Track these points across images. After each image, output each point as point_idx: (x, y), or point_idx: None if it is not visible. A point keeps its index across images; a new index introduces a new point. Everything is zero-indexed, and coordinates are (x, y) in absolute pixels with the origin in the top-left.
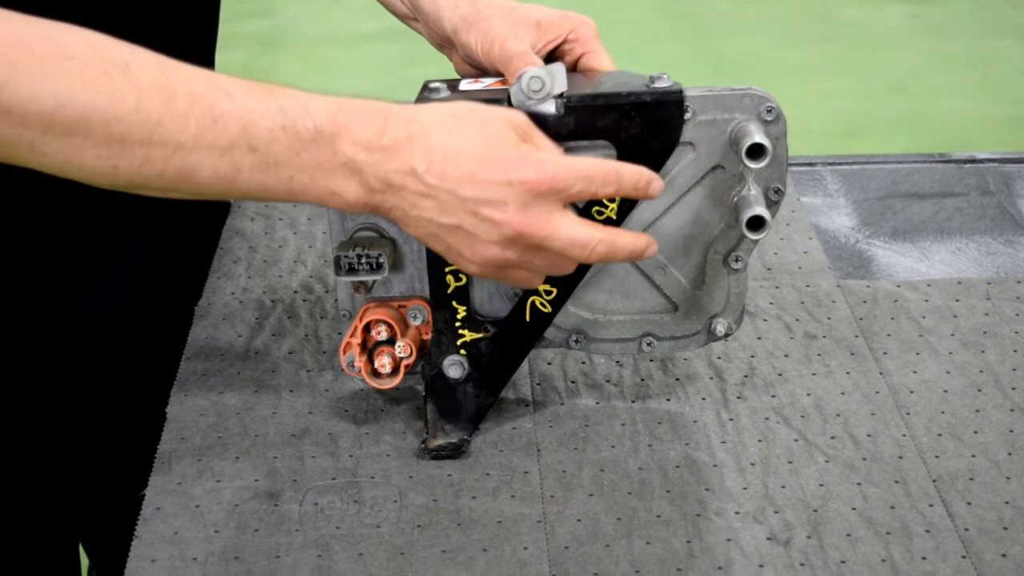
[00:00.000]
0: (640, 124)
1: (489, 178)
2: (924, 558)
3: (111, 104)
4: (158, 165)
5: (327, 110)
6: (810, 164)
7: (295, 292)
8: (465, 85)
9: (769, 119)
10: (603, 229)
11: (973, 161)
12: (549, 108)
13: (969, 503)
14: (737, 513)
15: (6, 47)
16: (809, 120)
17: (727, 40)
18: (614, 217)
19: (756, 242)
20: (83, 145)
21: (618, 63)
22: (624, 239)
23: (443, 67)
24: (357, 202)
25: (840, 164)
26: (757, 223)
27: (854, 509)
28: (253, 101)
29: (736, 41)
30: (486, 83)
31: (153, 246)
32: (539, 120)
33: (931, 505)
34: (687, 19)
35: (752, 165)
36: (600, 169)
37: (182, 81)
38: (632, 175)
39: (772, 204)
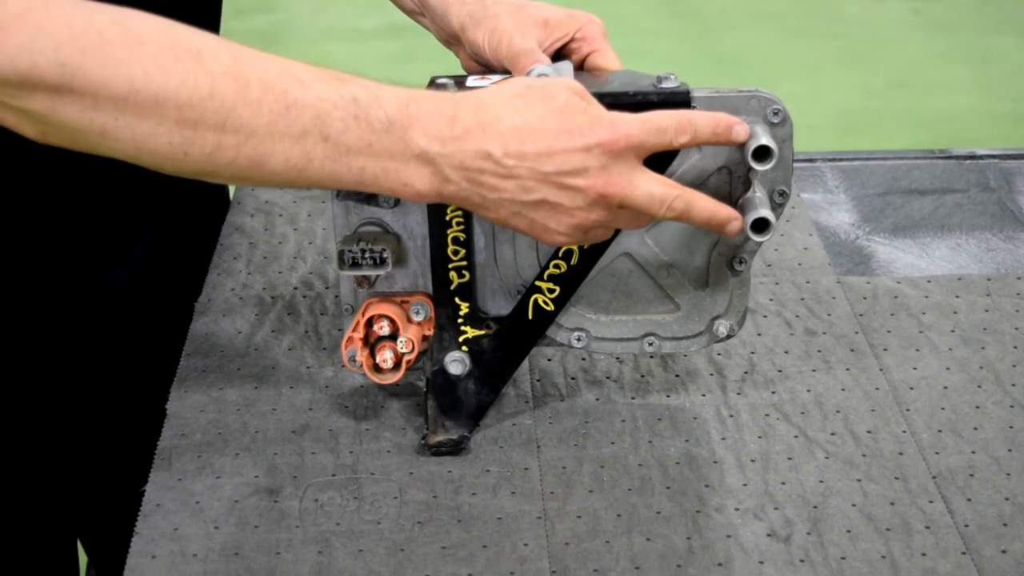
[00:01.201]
0: None
1: (567, 147)
2: (924, 554)
3: (185, 89)
4: (230, 152)
5: (399, 101)
6: (810, 160)
7: (295, 288)
8: (472, 82)
9: (775, 121)
10: (681, 188)
11: (973, 157)
12: None
13: (969, 499)
14: (737, 509)
15: (77, 32)
16: (810, 115)
17: (728, 36)
18: None
19: (760, 244)
20: (155, 130)
21: (620, 60)
22: (703, 202)
23: (444, 63)
24: (430, 192)
25: (840, 160)
26: (762, 225)
27: (854, 505)
28: (326, 89)
29: (737, 37)
30: (493, 80)
31: (154, 242)
32: None
33: (931, 501)
34: (688, 15)
35: (758, 167)
36: (673, 120)
37: (254, 68)
38: (708, 121)
39: (777, 206)
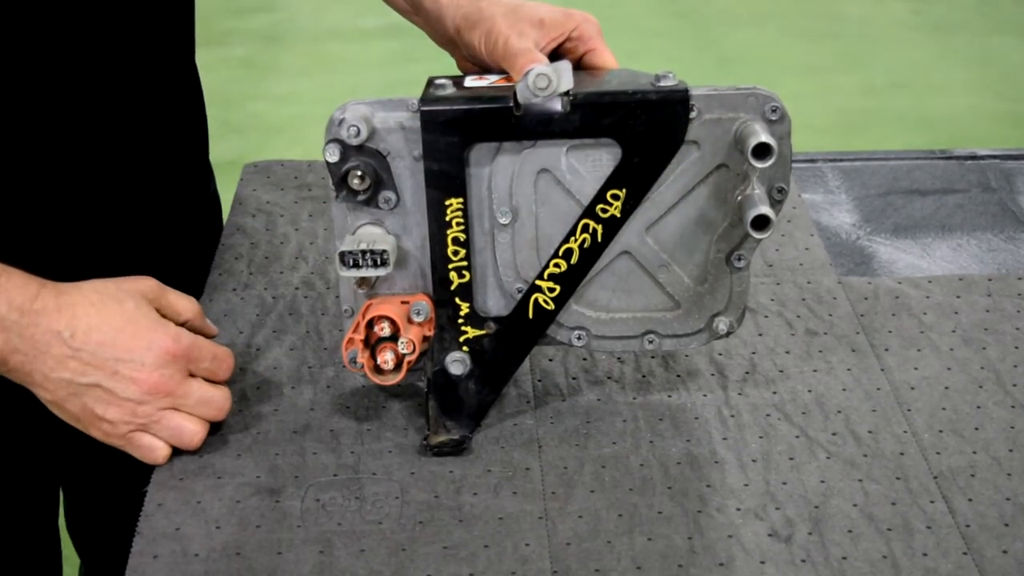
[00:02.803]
0: (646, 122)
1: (129, 343)
2: (925, 554)
3: None
4: None
5: None
6: (811, 160)
7: (296, 289)
8: (470, 81)
9: (774, 118)
10: (226, 390)
11: (974, 158)
12: (555, 106)
13: (970, 499)
14: (738, 509)
15: None
16: (811, 116)
17: (729, 36)
18: (618, 215)
19: (760, 241)
20: None
21: (620, 60)
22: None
23: (444, 62)
24: (3, 368)
25: (841, 160)
26: (762, 222)
27: (855, 505)
28: None
29: (738, 37)
30: (491, 79)
31: (155, 242)
32: (545, 118)
33: (932, 501)
34: (689, 15)
35: (757, 165)
36: (223, 352)
37: None
38: (228, 367)
39: (776, 203)
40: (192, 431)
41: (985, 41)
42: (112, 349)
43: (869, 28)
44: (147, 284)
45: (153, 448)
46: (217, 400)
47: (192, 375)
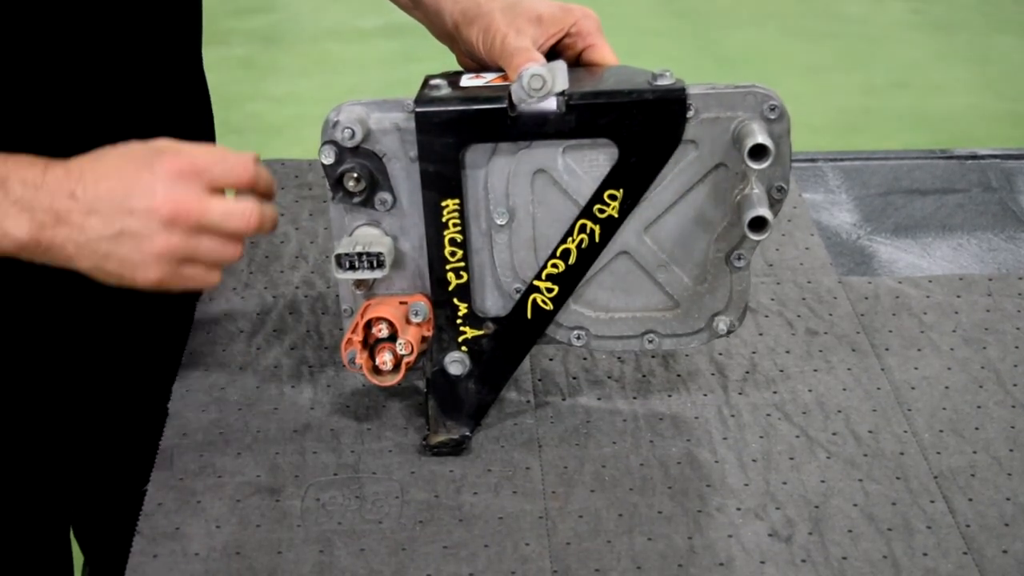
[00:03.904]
0: (642, 122)
1: (134, 177)
2: (926, 554)
3: None
4: None
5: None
6: (812, 160)
7: (296, 288)
8: (466, 80)
9: (772, 117)
10: (253, 200)
11: (975, 157)
12: (550, 106)
13: (971, 499)
14: (739, 509)
15: None
16: (811, 115)
17: (728, 35)
18: (616, 216)
19: (759, 241)
20: None
21: (619, 59)
22: (270, 209)
23: (444, 62)
24: (29, 240)
25: (841, 160)
26: (759, 224)
27: (855, 505)
28: None
29: (737, 36)
30: (488, 78)
31: None
32: (541, 118)
33: (932, 501)
34: (688, 14)
35: (754, 166)
36: (238, 155)
37: None
38: (247, 168)
39: (775, 203)
40: (230, 251)
41: (985, 40)
42: (121, 189)
43: (869, 28)
44: (160, 141)
45: (202, 277)
46: (242, 210)
47: (215, 192)
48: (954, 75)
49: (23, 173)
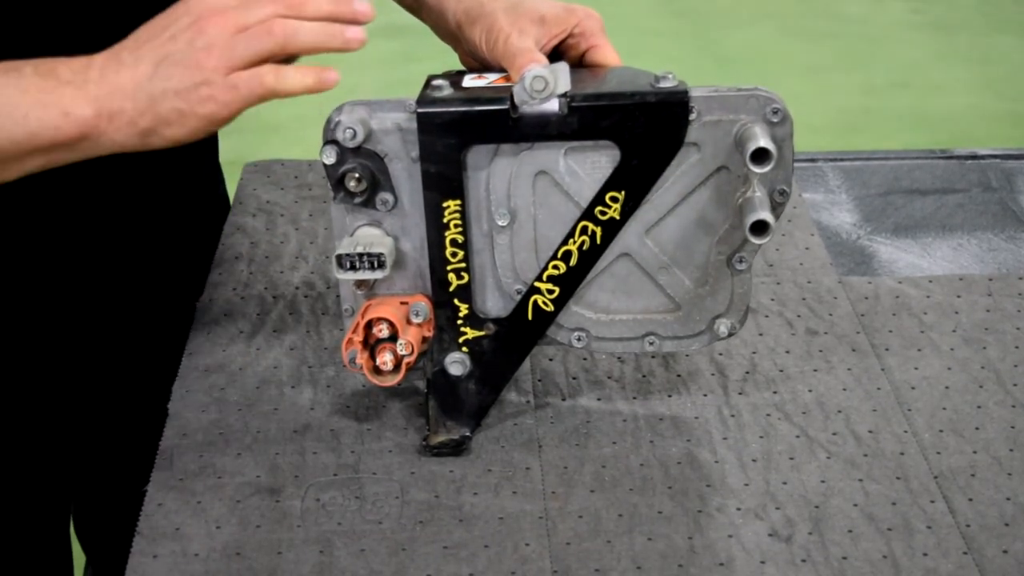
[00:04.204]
0: (644, 125)
1: (169, 12)
2: (926, 554)
3: None
4: None
5: (39, 60)
6: (812, 160)
7: (296, 288)
8: (468, 81)
9: (775, 120)
10: None
11: (975, 157)
12: (552, 107)
13: (971, 499)
14: (739, 509)
15: None
16: (811, 115)
17: (729, 35)
18: (617, 217)
19: (760, 245)
20: None
21: (621, 59)
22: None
23: (445, 62)
24: (92, 115)
25: (842, 160)
26: (760, 227)
27: (856, 505)
28: None
29: (738, 36)
30: (490, 79)
31: (163, 242)
32: (543, 120)
33: (932, 501)
34: (689, 14)
35: (756, 170)
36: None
37: None
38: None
39: (777, 206)
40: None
41: (985, 40)
42: (159, 24)
43: (869, 28)
44: None
45: (253, 76)
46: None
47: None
48: (954, 75)
49: (69, 63)
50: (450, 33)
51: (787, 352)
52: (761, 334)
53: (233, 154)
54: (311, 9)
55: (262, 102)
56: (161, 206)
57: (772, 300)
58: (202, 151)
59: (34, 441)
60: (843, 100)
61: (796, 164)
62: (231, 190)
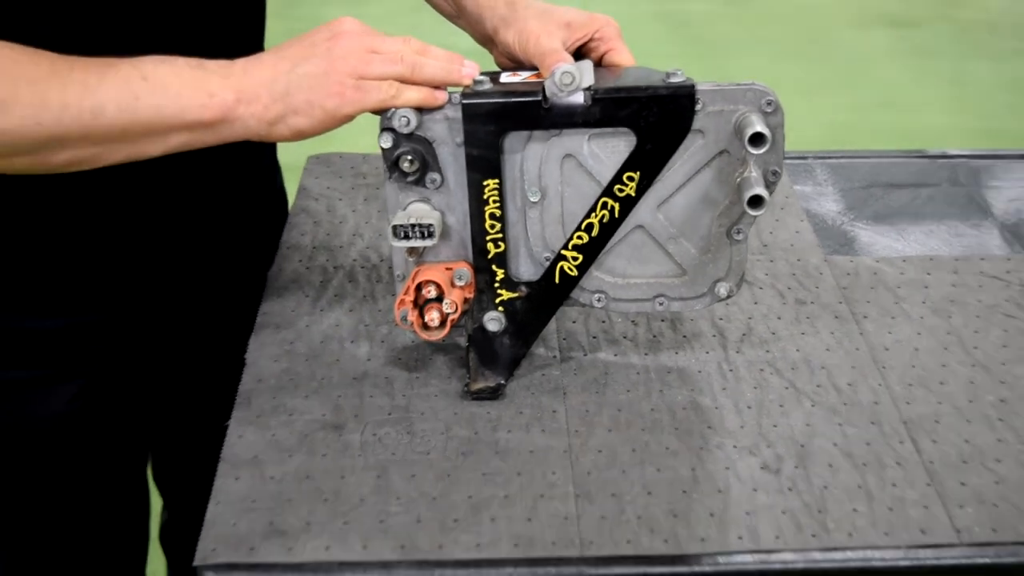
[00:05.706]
0: (657, 114)
1: (311, 32)
2: (894, 485)
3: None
4: (72, 110)
5: (185, 60)
6: (802, 157)
7: (354, 260)
8: (505, 77)
9: (769, 111)
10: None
11: (945, 156)
12: (578, 99)
13: (935, 441)
14: (735, 447)
15: None
16: (803, 130)
17: (731, 59)
18: (633, 194)
19: (755, 217)
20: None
21: (633, 57)
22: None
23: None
24: (233, 99)
25: (829, 158)
26: (757, 201)
27: (835, 445)
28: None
29: (739, 60)
30: (524, 76)
31: (229, 224)
32: (570, 110)
33: (901, 442)
34: (694, 41)
35: (753, 152)
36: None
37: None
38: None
39: (771, 184)
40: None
41: (961, 66)
42: (300, 38)
43: (857, 53)
44: None
45: (380, 85)
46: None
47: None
48: (933, 96)
49: (217, 61)
50: (487, 37)
51: (778, 318)
52: (756, 303)
53: (291, 157)
54: (427, 74)
55: (378, 109)
56: (232, 196)
57: (766, 275)
58: (263, 150)
59: (121, 395)
60: (832, 117)
61: (789, 161)
62: (294, 183)
